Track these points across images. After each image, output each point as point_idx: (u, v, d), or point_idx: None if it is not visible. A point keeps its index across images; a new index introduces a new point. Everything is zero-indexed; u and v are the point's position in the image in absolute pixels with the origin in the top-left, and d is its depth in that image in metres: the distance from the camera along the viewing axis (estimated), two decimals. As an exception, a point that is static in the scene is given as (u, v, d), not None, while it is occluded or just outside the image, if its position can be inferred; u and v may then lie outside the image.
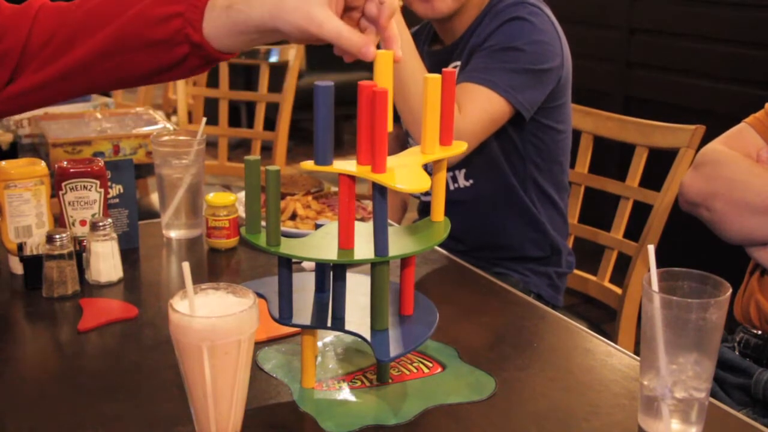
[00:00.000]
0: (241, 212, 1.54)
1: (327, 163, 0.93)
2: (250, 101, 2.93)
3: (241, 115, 5.25)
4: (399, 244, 0.98)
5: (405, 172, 0.93)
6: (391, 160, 0.95)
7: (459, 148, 1.02)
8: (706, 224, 1.37)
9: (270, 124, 2.76)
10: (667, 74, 3.01)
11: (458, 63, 1.75)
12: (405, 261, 1.00)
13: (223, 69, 2.80)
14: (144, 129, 1.99)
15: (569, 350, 1.16)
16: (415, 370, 1.08)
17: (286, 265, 0.96)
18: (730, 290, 0.92)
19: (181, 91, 2.77)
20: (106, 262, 1.27)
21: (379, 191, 0.92)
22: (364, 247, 0.95)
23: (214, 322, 0.80)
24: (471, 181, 1.76)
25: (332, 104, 0.92)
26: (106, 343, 1.13)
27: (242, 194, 1.59)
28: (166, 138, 1.48)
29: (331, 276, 1.01)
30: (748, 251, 1.30)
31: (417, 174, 0.92)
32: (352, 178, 0.93)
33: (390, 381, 1.04)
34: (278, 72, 2.79)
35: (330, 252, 0.95)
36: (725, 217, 1.29)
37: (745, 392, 1.25)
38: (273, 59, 2.72)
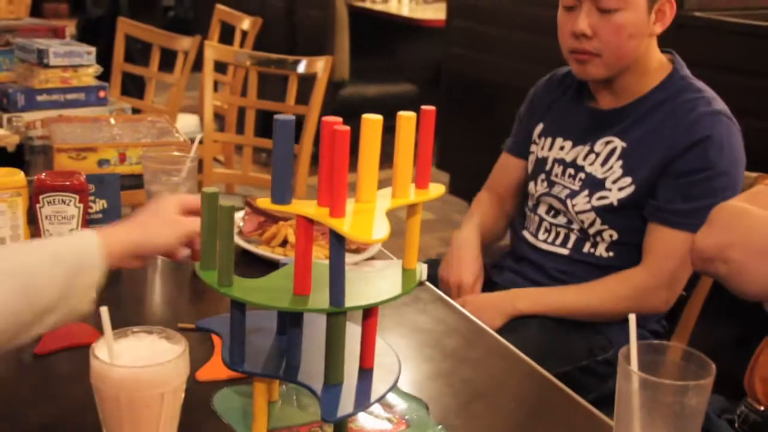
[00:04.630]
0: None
1: (285, 202, 0.87)
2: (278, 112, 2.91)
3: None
4: (361, 292, 0.91)
5: (364, 219, 0.86)
6: (359, 203, 0.88)
7: (435, 192, 0.95)
8: (722, 282, 1.27)
9: (298, 136, 2.71)
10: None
11: (615, 140, 1.61)
12: (367, 311, 0.93)
13: (252, 77, 2.76)
14: (156, 139, 1.95)
15: (550, 416, 1.08)
16: (376, 425, 1.00)
17: (239, 307, 0.90)
18: (713, 372, 0.83)
19: (208, 97, 2.74)
20: (77, 281, 1.21)
21: (336, 237, 0.85)
22: (325, 293, 0.89)
23: (136, 372, 0.74)
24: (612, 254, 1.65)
25: (293, 139, 0.86)
26: (60, 370, 1.08)
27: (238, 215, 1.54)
28: (155, 154, 1.43)
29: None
30: None
31: (376, 222, 0.85)
32: (310, 220, 0.87)
33: (347, 437, 0.97)
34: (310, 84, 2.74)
35: (285, 297, 0.89)
36: (744, 267, 1.19)
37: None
38: (300, 70, 2.66)
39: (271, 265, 1.17)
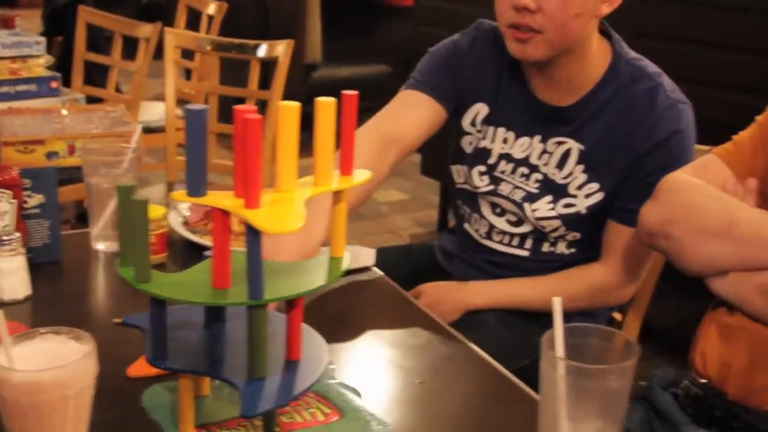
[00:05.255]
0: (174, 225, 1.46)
1: (200, 194, 0.84)
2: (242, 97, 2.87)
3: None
4: (284, 283, 0.89)
5: (281, 210, 0.83)
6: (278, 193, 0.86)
7: (361, 178, 0.93)
8: (666, 256, 1.26)
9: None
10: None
11: (568, 141, 1.51)
12: (291, 302, 0.91)
13: (215, 63, 2.72)
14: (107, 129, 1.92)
15: (489, 402, 1.06)
16: (309, 417, 0.99)
17: (158, 303, 0.88)
18: (638, 354, 0.82)
19: (170, 85, 2.71)
20: (10, 278, 1.19)
21: (252, 228, 0.83)
22: (246, 285, 0.87)
23: (35, 375, 0.72)
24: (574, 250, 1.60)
25: (206, 130, 0.83)
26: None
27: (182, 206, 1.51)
28: (96, 146, 1.40)
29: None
30: (708, 283, 1.19)
31: (292, 212, 0.83)
32: (226, 212, 0.85)
33: (277, 430, 0.96)
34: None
35: (204, 291, 0.87)
36: (684, 243, 1.18)
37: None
38: (261, 54, 2.63)
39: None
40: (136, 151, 1.40)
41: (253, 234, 0.83)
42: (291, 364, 0.92)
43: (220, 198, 0.85)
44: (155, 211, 1.35)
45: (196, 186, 0.84)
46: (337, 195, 0.93)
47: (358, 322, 1.24)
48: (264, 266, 0.92)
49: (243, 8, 5.28)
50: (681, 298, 1.98)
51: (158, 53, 2.97)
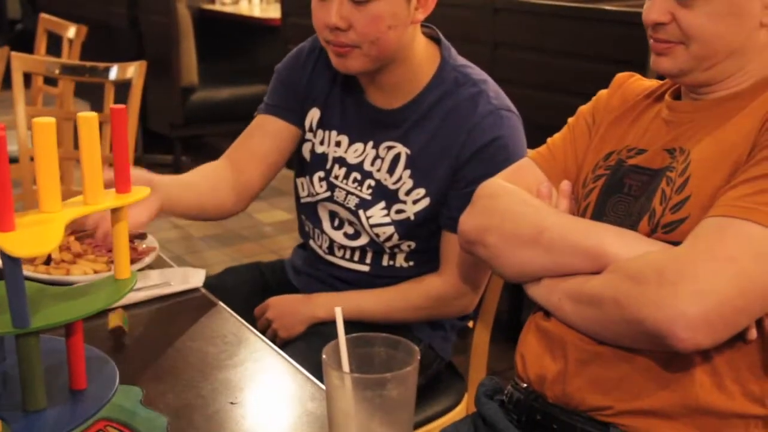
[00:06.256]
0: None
1: (-46, 220, 0.79)
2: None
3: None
4: (59, 308, 0.84)
5: (37, 232, 0.79)
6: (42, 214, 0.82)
7: (138, 194, 0.89)
8: (486, 264, 1.26)
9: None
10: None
11: (397, 146, 1.50)
12: (69, 328, 0.86)
13: (68, 87, 2.64)
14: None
15: (296, 410, 1.04)
16: (105, 449, 0.94)
17: None
18: (417, 360, 0.80)
19: (20, 113, 2.60)
20: None
21: (8, 255, 0.78)
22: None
23: None
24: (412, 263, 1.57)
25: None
26: None
27: None
28: None
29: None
30: (525, 289, 1.19)
31: (47, 234, 0.79)
32: None
33: (68, 464, 0.90)
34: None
35: (-32, 320, 0.82)
36: (499, 251, 1.18)
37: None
38: (112, 77, 2.55)
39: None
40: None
41: (9, 258, 0.78)
42: (76, 393, 0.88)
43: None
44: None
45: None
46: (116, 214, 0.89)
47: (177, 344, 1.19)
48: (38, 291, 0.88)
49: (117, 32, 5.17)
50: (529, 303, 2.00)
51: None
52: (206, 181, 1.53)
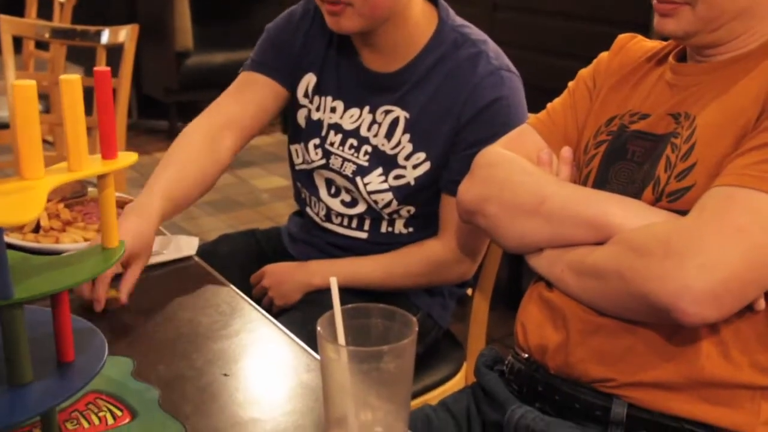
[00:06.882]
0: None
1: (-67, 187, 0.76)
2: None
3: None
4: (44, 278, 0.81)
5: (17, 200, 0.76)
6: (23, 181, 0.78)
7: (125, 160, 0.86)
8: (486, 234, 1.23)
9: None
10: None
11: (395, 109, 1.47)
12: (55, 299, 0.83)
13: (60, 53, 2.59)
14: None
15: (289, 379, 1.01)
16: (97, 421, 0.92)
17: None
18: (415, 332, 0.78)
19: (10, 78, 2.55)
20: None
21: (-9, 221, 0.75)
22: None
23: None
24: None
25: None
26: None
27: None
28: None
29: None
30: (527, 260, 1.16)
31: (28, 202, 0.75)
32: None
33: (58, 437, 0.88)
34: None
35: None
36: (499, 221, 1.15)
37: (500, 431, 1.11)
38: (104, 41, 2.50)
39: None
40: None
41: (-8, 227, 0.75)
42: (64, 366, 0.85)
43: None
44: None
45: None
46: (102, 181, 0.85)
47: (169, 315, 1.17)
48: (22, 261, 0.85)
49: (110, -4, 5.10)
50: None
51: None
52: (192, 175, 1.42)
